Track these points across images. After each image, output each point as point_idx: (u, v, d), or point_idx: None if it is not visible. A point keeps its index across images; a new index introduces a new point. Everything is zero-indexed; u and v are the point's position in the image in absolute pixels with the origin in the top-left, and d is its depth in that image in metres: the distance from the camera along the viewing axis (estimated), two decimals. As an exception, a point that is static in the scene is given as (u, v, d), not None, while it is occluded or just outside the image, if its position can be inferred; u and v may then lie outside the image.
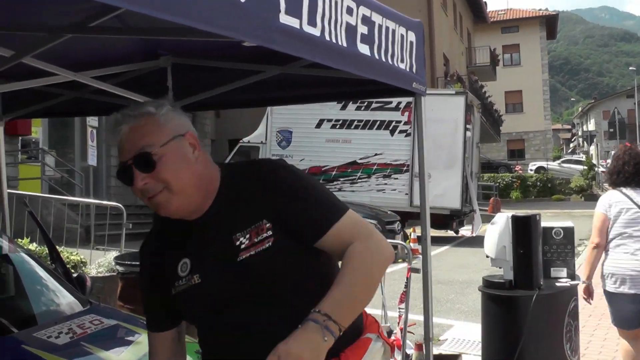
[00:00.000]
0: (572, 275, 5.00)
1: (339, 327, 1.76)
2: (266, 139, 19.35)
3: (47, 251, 4.86)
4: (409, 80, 3.53)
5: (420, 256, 4.23)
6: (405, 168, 17.57)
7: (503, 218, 4.87)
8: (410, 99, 17.80)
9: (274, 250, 1.88)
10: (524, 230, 4.76)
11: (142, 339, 3.50)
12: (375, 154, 18.03)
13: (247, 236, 1.90)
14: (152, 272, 2.11)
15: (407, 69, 3.45)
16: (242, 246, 1.91)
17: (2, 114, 5.40)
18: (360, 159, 18.37)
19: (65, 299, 3.93)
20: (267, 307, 1.91)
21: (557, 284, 4.89)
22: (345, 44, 2.62)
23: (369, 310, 2.16)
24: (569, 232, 5.03)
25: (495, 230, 4.84)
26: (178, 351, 2.18)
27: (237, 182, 1.97)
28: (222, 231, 1.94)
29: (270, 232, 1.89)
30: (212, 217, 1.97)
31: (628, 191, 4.89)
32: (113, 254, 7.63)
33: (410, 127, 17.43)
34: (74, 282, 4.23)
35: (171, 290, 2.02)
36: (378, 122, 18.04)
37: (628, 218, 4.83)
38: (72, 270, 6.20)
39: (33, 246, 7.80)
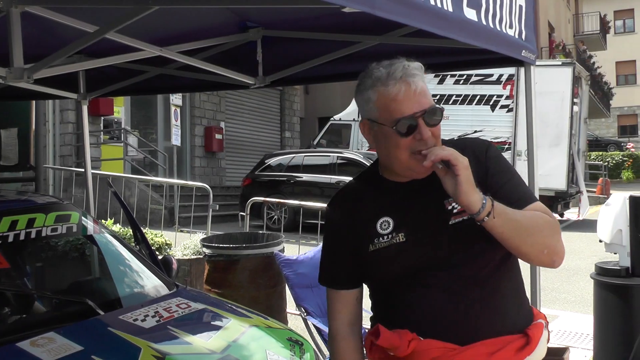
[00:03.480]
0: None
1: (492, 214, 2.01)
2: (358, 116, 19.19)
3: (132, 232, 4.97)
4: (518, 48, 3.42)
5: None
6: (507, 146, 17.19)
7: (619, 199, 4.68)
8: (512, 71, 17.25)
9: None
10: (643, 213, 4.56)
11: (231, 325, 3.54)
12: (475, 131, 17.69)
13: None
14: (343, 227, 2.28)
15: (516, 36, 3.34)
16: (455, 211, 2.16)
17: (86, 92, 5.56)
18: (459, 136, 18.04)
19: (151, 282, 4.01)
20: (466, 269, 2.14)
21: (681, 273, 4.67)
22: (450, 9, 2.55)
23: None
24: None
25: (611, 213, 4.66)
26: (360, 312, 2.38)
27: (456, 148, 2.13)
28: (432, 195, 2.17)
29: None
30: (422, 181, 2.18)
31: None
32: (199, 236, 7.76)
33: (512, 102, 17.01)
34: (160, 264, 4.32)
35: (366, 247, 2.21)
36: (478, 97, 17.64)
37: None
38: (157, 253, 6.37)
39: (117, 227, 8.03)
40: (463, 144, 2.20)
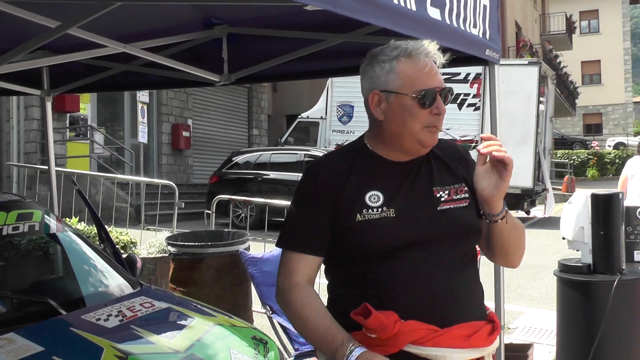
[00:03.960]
0: (657, 260, 4.84)
1: (506, 218, 2.30)
2: (326, 114, 19.20)
3: (96, 231, 4.92)
4: (482, 48, 3.45)
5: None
6: (474, 144, 17.30)
7: (582, 196, 4.74)
8: (479, 69, 17.34)
9: (468, 209, 2.32)
10: (604, 210, 4.61)
11: (195, 324, 3.52)
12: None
13: (447, 192, 2.32)
14: (328, 191, 2.28)
15: (480, 35, 3.37)
16: (442, 199, 2.31)
17: (50, 88, 5.49)
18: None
19: (115, 280, 3.98)
20: (453, 251, 2.27)
21: (641, 269, 4.74)
22: (414, 8, 2.56)
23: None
24: (655, 213, 4.87)
25: (573, 210, 4.71)
26: (314, 280, 2.37)
27: (442, 146, 2.37)
28: (422, 181, 2.32)
29: (467, 195, 2.33)
30: (413, 164, 2.32)
31: None
32: (164, 234, 7.69)
33: (479, 101, 17.14)
34: (124, 262, 4.28)
35: (353, 216, 2.24)
36: (445, 95, 17.75)
37: None
38: (122, 251, 6.32)
39: (81, 226, 7.96)
40: (451, 145, 2.41)
